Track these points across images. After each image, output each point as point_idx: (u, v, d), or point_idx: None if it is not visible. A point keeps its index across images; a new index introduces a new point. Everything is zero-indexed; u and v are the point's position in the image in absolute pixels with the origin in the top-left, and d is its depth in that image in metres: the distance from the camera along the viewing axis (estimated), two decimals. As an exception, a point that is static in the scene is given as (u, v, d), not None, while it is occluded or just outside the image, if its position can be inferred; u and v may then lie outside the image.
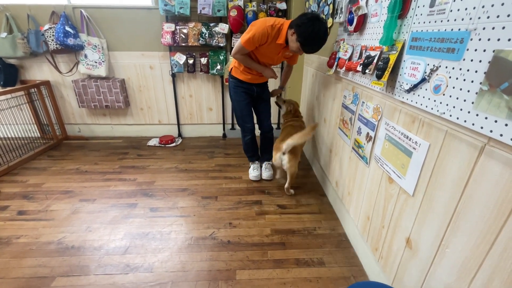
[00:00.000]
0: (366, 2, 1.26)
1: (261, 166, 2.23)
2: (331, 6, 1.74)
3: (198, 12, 2.41)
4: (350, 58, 1.44)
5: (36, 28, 2.49)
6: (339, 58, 1.57)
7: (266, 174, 2.16)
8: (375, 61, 1.14)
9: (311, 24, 1.46)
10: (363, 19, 1.30)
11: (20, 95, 2.50)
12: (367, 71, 1.20)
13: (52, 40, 2.40)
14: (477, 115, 0.68)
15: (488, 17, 0.65)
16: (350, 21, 1.39)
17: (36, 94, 2.62)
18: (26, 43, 2.48)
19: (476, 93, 0.68)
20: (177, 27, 2.50)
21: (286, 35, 1.61)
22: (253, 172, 2.17)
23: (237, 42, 1.73)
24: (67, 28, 2.38)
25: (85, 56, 2.56)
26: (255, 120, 2.11)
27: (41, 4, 2.46)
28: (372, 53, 1.18)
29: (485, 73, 0.66)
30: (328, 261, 1.41)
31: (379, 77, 1.10)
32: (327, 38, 1.54)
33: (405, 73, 0.98)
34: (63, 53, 2.60)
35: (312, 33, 1.47)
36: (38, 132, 2.90)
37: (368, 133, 1.29)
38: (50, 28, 2.39)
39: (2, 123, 2.32)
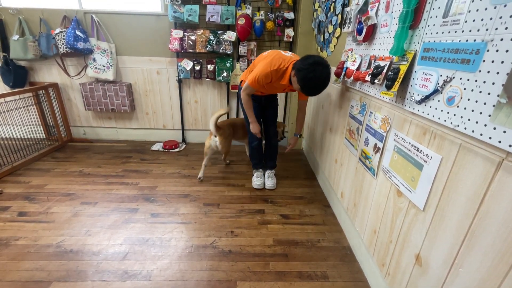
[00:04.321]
0: (376, 12, 1.26)
1: (264, 174, 2.21)
2: (339, 16, 1.75)
3: (207, 19, 2.44)
4: (358, 68, 1.42)
5: (48, 32, 2.53)
6: (346, 67, 1.56)
7: (269, 183, 2.13)
8: (384, 71, 1.13)
9: (312, 70, 1.46)
10: (372, 29, 1.29)
11: (28, 97, 2.53)
12: (376, 81, 1.18)
13: (63, 43, 2.44)
14: (494, 128, 0.65)
15: (506, 28, 0.63)
16: (359, 31, 1.38)
17: (44, 96, 2.65)
18: (37, 46, 2.52)
19: (493, 105, 0.65)
20: (185, 34, 2.52)
21: (290, 75, 1.62)
22: (256, 180, 2.14)
23: (246, 82, 1.77)
24: (78, 32, 2.42)
25: (94, 60, 2.59)
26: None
27: (54, 9, 2.51)
28: (382, 63, 1.16)
29: (503, 85, 0.63)
30: (332, 275, 1.36)
31: (389, 87, 1.08)
32: (328, 83, 1.54)
33: (416, 84, 0.96)
34: (73, 57, 2.64)
35: (312, 79, 1.48)
36: (44, 134, 2.91)
37: (376, 144, 1.26)
38: (61, 32, 2.43)
39: (9, 124, 2.33)
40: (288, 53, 1.73)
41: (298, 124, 2.06)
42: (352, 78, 1.45)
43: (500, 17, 0.65)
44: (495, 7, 0.66)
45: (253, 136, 2.08)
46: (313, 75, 1.47)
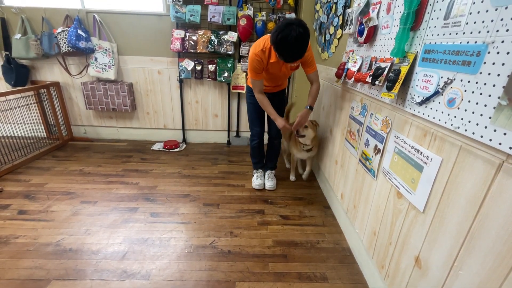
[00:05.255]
0: (377, 14, 1.26)
1: (264, 175, 2.20)
2: (340, 17, 1.75)
3: (208, 20, 2.44)
4: (359, 69, 1.42)
5: (50, 31, 2.54)
6: (347, 69, 1.56)
7: (269, 183, 2.13)
8: (385, 72, 1.13)
9: (281, 30, 1.37)
10: (373, 30, 1.29)
11: (30, 95, 2.53)
12: (377, 82, 1.18)
13: (64, 42, 2.45)
14: (495, 130, 0.65)
15: (507, 30, 0.63)
16: (361, 32, 1.38)
17: (45, 94, 2.66)
18: (39, 45, 2.53)
19: (494, 107, 0.65)
20: (187, 34, 2.53)
21: None
22: (256, 180, 2.14)
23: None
24: (80, 32, 2.43)
25: (95, 59, 2.60)
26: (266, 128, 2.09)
27: (56, 8, 2.52)
28: (383, 65, 1.16)
29: (503, 87, 0.63)
30: (332, 276, 1.35)
31: (389, 88, 1.08)
32: (303, 44, 1.41)
33: (417, 86, 0.96)
34: (74, 56, 2.65)
35: (282, 39, 1.38)
36: (45, 132, 2.92)
37: (376, 146, 1.26)
38: (63, 31, 2.44)
39: (10, 122, 2.34)
40: None
41: (310, 96, 1.80)
42: (353, 79, 1.45)
43: (501, 19, 0.65)
44: (496, 9, 0.66)
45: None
46: (281, 35, 1.37)
